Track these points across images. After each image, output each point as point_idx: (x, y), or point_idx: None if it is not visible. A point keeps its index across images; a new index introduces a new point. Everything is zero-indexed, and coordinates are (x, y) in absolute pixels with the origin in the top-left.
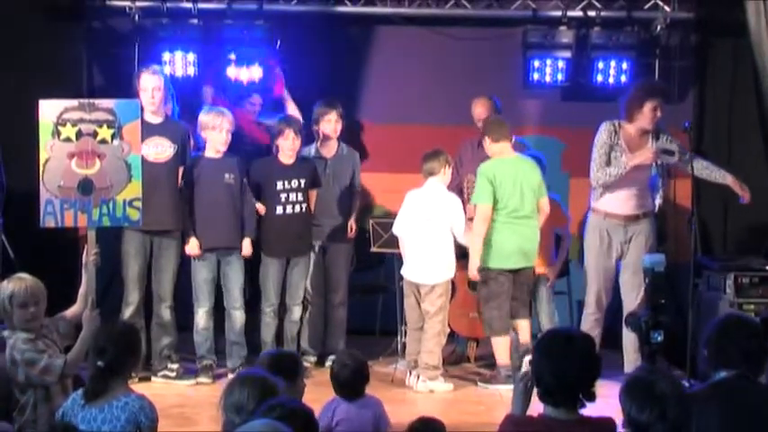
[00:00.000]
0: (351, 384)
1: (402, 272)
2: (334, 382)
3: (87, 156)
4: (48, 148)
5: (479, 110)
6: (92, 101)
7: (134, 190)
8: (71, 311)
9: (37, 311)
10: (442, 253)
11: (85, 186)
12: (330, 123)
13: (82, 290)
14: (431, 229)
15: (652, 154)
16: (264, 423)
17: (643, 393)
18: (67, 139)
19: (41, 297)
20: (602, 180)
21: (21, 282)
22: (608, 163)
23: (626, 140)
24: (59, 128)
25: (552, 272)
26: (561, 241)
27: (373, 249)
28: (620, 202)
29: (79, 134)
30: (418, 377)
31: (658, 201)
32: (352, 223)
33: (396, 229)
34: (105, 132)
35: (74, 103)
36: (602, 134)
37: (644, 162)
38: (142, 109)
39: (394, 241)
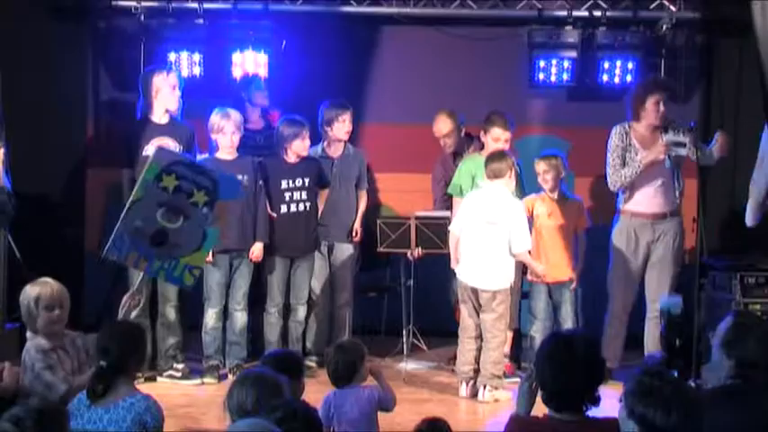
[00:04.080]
0: (335, 371)
1: (459, 275)
2: (327, 372)
3: (176, 211)
4: (145, 188)
5: (441, 125)
6: (204, 167)
7: (199, 260)
8: None
9: (62, 315)
10: (504, 258)
11: (160, 237)
12: (344, 125)
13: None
14: (494, 233)
15: (663, 148)
16: (251, 423)
17: (649, 390)
18: (164, 189)
19: (65, 301)
20: (618, 183)
21: (47, 285)
22: (623, 166)
23: (638, 140)
24: (164, 175)
25: (576, 275)
26: (580, 244)
27: (380, 249)
28: (646, 201)
29: (178, 189)
30: (484, 387)
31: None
32: (357, 227)
33: (454, 229)
34: (200, 197)
35: (186, 159)
36: (614, 138)
37: (657, 158)
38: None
39: (401, 242)
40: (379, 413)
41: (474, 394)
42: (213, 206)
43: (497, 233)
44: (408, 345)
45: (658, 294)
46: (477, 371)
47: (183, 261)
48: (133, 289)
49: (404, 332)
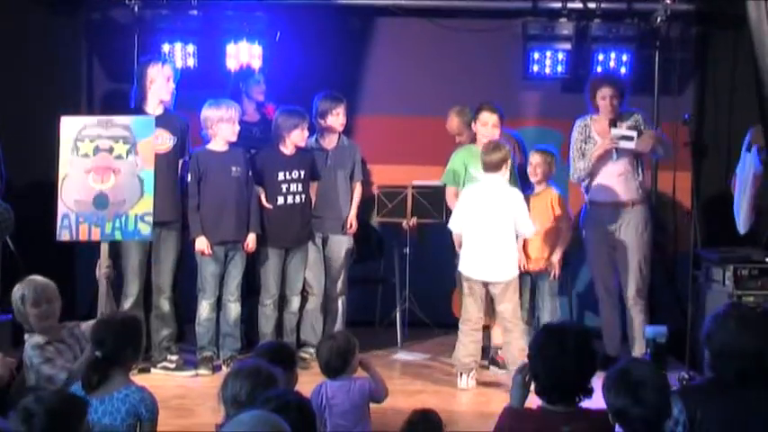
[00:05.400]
0: (327, 362)
1: (464, 270)
2: (318, 363)
3: (103, 171)
4: (67, 163)
5: (453, 124)
6: (109, 118)
7: (146, 205)
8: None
9: (50, 309)
10: (510, 249)
11: (100, 201)
12: (338, 117)
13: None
14: (499, 224)
15: (609, 142)
16: (254, 415)
17: (619, 380)
18: (85, 155)
19: (53, 296)
20: (575, 175)
21: (31, 282)
22: (582, 158)
23: (598, 132)
24: (78, 144)
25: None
26: (562, 233)
27: (378, 219)
28: (606, 191)
29: (96, 150)
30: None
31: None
32: (351, 219)
33: (454, 226)
34: (121, 148)
35: (93, 120)
36: (575, 131)
37: (605, 150)
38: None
39: (397, 211)
40: (372, 405)
41: (483, 383)
42: (135, 150)
43: (501, 224)
44: (402, 336)
45: (630, 284)
46: (476, 362)
47: (132, 212)
48: (99, 260)
49: (398, 318)
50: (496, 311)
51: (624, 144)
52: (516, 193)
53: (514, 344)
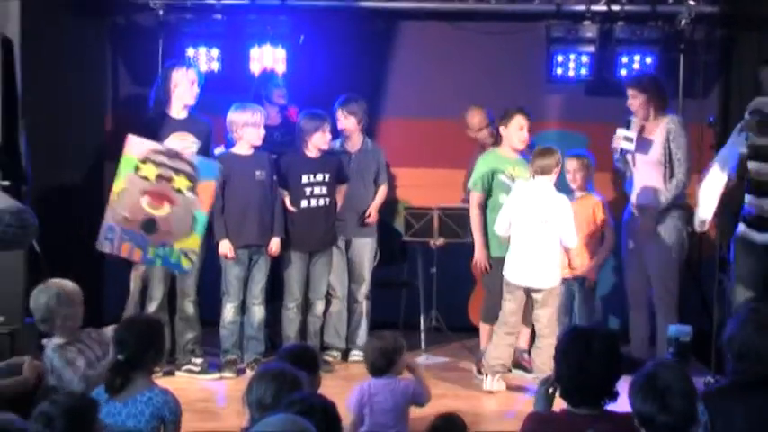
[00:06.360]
0: (373, 361)
1: (507, 275)
2: (365, 361)
3: (160, 198)
4: (125, 179)
5: (476, 120)
6: (178, 151)
7: (193, 243)
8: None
9: (73, 313)
10: (556, 255)
11: (149, 225)
12: (338, 120)
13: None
14: (546, 231)
15: (614, 140)
16: (281, 418)
17: (646, 385)
18: (145, 178)
19: (76, 298)
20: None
21: (54, 285)
22: None
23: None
24: (141, 165)
25: (587, 271)
26: (606, 241)
27: (405, 239)
28: (637, 192)
29: (159, 177)
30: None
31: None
32: (371, 209)
33: (500, 230)
34: (182, 182)
35: (160, 147)
36: None
37: (612, 149)
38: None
39: (424, 231)
40: None
41: (510, 387)
42: (196, 189)
43: (548, 231)
44: (426, 338)
45: (656, 285)
46: (505, 366)
47: (178, 246)
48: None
49: (421, 322)
50: (533, 315)
51: (625, 145)
52: (565, 202)
53: (546, 350)
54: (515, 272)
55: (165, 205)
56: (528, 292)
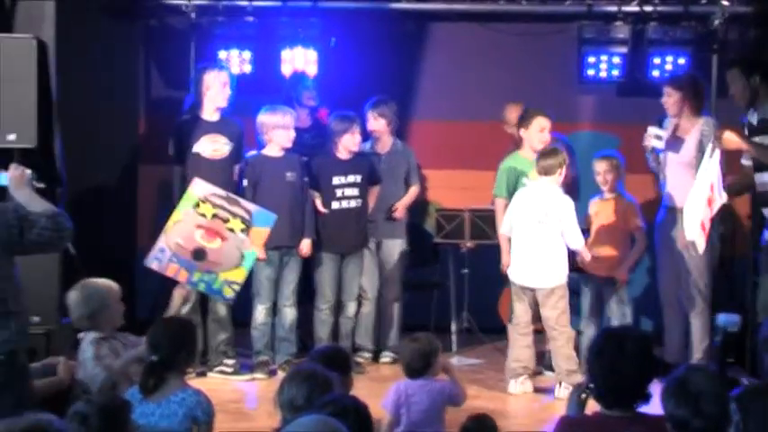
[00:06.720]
0: (409, 363)
1: (511, 275)
2: (401, 363)
3: (213, 233)
4: (183, 212)
5: (514, 115)
6: (238, 198)
7: (238, 276)
8: None
9: (111, 310)
10: (557, 255)
11: (199, 254)
12: (368, 122)
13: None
14: (544, 231)
15: (646, 137)
16: (313, 419)
17: (678, 389)
18: (203, 215)
19: (115, 297)
20: None
21: (93, 283)
22: None
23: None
24: (201, 203)
25: (621, 274)
26: (637, 244)
27: (437, 240)
28: (671, 196)
29: (215, 216)
30: (560, 384)
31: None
32: (398, 204)
33: (504, 229)
34: (236, 225)
35: (222, 192)
36: None
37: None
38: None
39: (455, 233)
40: None
41: (537, 389)
42: (248, 233)
43: (547, 231)
44: (458, 338)
45: (690, 287)
46: (526, 368)
47: (223, 276)
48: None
49: (453, 324)
50: (541, 317)
51: (655, 143)
52: (567, 202)
53: (559, 352)
54: (516, 272)
55: (216, 240)
56: (533, 291)
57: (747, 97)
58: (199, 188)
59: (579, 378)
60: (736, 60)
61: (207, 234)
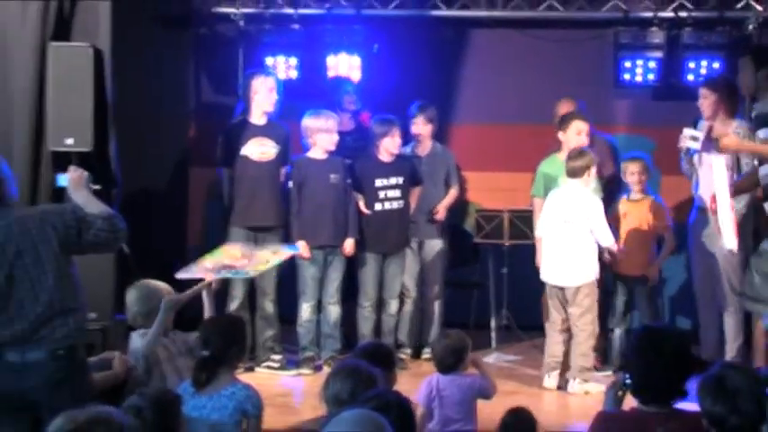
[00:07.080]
0: (441, 359)
1: (541, 275)
2: (433, 359)
3: (241, 258)
4: (213, 254)
5: (564, 110)
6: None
7: (263, 267)
8: None
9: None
10: (584, 254)
11: (227, 266)
12: (416, 126)
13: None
14: (570, 231)
15: (681, 138)
16: (357, 413)
17: (715, 387)
18: (232, 256)
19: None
20: None
21: (148, 284)
22: None
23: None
24: (229, 249)
25: (651, 274)
26: (666, 245)
27: (477, 240)
28: (704, 195)
29: (243, 255)
30: (574, 379)
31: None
32: (439, 207)
33: (538, 231)
34: (263, 254)
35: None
36: None
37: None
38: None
39: (496, 232)
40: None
41: (559, 386)
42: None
43: (574, 231)
44: (497, 335)
45: (723, 285)
46: (562, 363)
47: (247, 269)
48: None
49: (492, 320)
50: (567, 314)
51: (691, 144)
52: (595, 201)
53: (577, 348)
54: (546, 271)
55: (244, 260)
56: (561, 289)
57: (751, 88)
58: (234, 247)
59: (591, 376)
60: (750, 48)
61: (234, 260)
